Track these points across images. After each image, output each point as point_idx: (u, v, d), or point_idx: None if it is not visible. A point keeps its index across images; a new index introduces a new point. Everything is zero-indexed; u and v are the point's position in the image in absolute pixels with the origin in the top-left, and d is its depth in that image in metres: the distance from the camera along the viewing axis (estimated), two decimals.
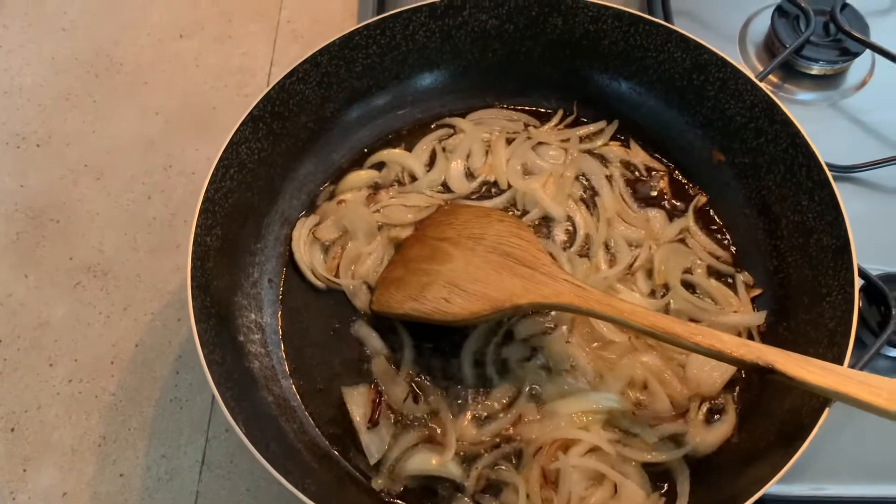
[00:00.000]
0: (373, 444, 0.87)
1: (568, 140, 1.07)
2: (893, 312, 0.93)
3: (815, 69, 1.20)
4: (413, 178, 1.05)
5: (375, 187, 1.05)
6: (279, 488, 0.94)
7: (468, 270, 0.89)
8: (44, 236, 1.13)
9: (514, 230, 0.91)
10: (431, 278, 0.90)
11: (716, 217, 1.01)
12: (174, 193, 1.16)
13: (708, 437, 0.86)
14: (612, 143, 1.07)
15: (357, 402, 0.89)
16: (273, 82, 0.96)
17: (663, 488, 0.83)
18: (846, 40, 1.19)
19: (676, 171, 1.05)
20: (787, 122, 0.91)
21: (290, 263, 0.99)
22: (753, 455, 0.81)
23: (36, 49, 1.32)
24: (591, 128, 1.08)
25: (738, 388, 0.89)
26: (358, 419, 0.88)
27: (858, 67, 1.22)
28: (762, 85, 0.94)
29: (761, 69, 1.18)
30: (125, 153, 1.21)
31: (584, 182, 1.04)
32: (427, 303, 0.88)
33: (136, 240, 1.12)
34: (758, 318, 0.93)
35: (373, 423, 0.88)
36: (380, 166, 1.07)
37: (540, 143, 1.07)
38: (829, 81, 1.21)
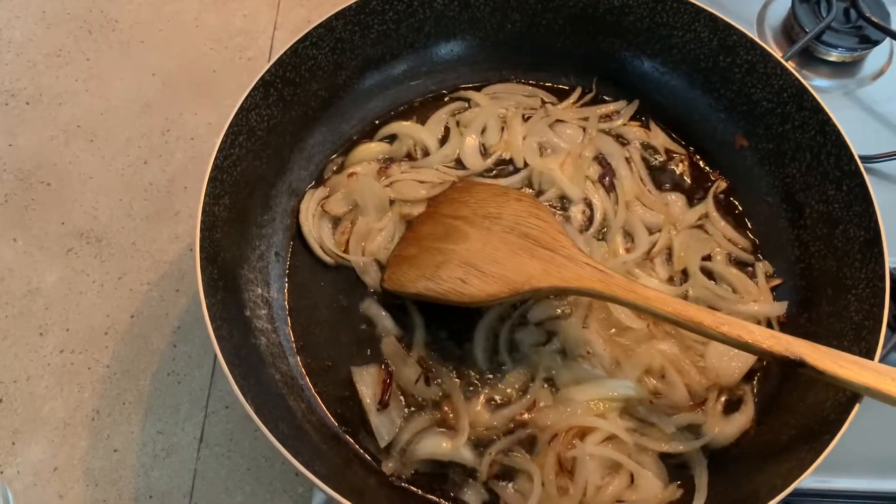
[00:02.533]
0: (383, 426, 0.84)
1: (586, 119, 1.04)
2: None
3: (834, 56, 1.18)
4: (426, 153, 1.01)
5: (387, 161, 1.01)
6: (281, 468, 0.92)
7: (485, 251, 0.86)
8: (33, 199, 1.08)
9: (532, 210, 0.88)
10: (446, 257, 0.87)
11: (737, 203, 0.99)
12: (172, 158, 1.12)
13: (726, 428, 0.84)
14: (631, 123, 1.04)
15: (367, 383, 0.86)
16: (276, 46, 0.93)
17: (681, 480, 0.82)
18: (867, 27, 1.17)
19: (697, 155, 1.02)
20: (817, 109, 0.89)
21: (298, 237, 0.95)
22: (774, 449, 0.79)
23: (25, 1, 1.25)
24: (611, 107, 1.05)
25: (756, 379, 0.88)
26: (368, 400, 0.85)
27: (877, 56, 1.20)
28: (793, 70, 0.91)
29: (780, 54, 1.16)
30: (120, 115, 1.16)
31: (603, 163, 1.01)
32: (442, 283, 0.85)
33: (132, 206, 1.08)
34: (778, 308, 0.91)
35: (383, 405, 0.85)
36: (391, 139, 1.03)
37: (557, 121, 1.04)
38: (846, 69, 1.20)
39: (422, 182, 0.98)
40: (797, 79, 0.91)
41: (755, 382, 0.88)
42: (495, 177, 1.00)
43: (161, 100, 1.17)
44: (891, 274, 0.92)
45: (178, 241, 1.05)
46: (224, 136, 0.84)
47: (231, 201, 0.86)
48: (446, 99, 1.06)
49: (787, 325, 0.90)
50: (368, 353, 0.89)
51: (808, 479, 0.86)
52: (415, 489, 0.82)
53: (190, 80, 1.19)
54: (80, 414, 0.94)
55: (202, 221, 0.80)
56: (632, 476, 0.81)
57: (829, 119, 0.88)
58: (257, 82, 0.88)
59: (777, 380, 0.86)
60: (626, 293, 0.78)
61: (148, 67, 1.21)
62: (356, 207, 0.96)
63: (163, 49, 1.22)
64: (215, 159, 0.83)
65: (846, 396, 0.74)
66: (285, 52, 0.90)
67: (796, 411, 0.81)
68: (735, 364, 0.87)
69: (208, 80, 1.20)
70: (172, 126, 1.15)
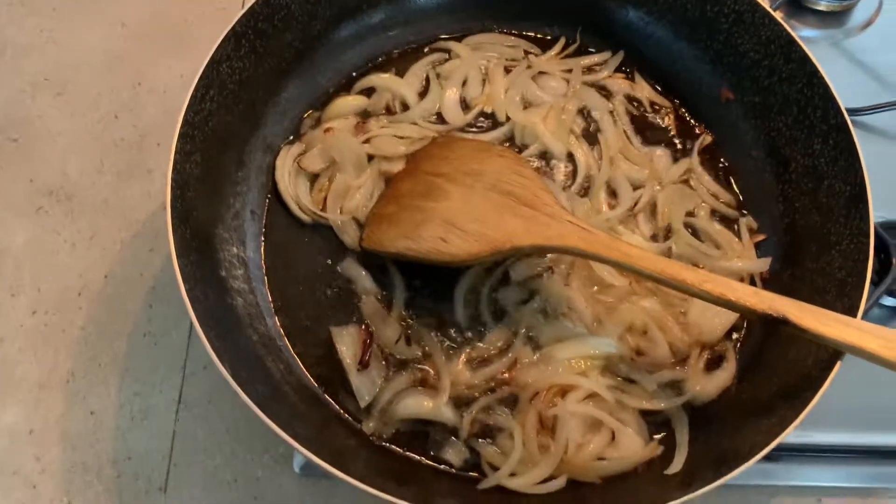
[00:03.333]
0: (363, 386, 0.83)
1: (570, 70, 1.01)
2: (894, 261, 0.91)
3: (822, 4, 1.16)
4: (405, 107, 0.99)
5: (364, 115, 0.98)
6: (261, 429, 0.90)
7: (466, 209, 0.84)
8: (0, 156, 1.04)
9: (514, 167, 0.86)
10: (426, 216, 0.85)
11: (722, 158, 0.97)
12: (144, 113, 1.08)
13: (708, 385, 0.84)
14: (616, 75, 1.02)
15: (346, 343, 0.85)
16: None
17: (662, 437, 0.82)
18: None
19: (682, 109, 1.00)
20: (805, 61, 0.87)
21: (274, 194, 0.92)
22: (755, 406, 0.79)
23: None
24: (595, 58, 1.02)
25: (738, 336, 0.87)
26: (348, 360, 0.84)
27: (866, 5, 1.18)
28: (781, 20, 0.89)
29: (768, 3, 1.13)
30: (89, 68, 1.12)
31: (587, 117, 0.99)
32: (422, 242, 0.84)
33: (103, 163, 1.05)
34: (761, 264, 0.90)
35: (363, 365, 0.84)
36: (369, 92, 1.00)
37: (540, 73, 1.01)
38: (834, 19, 1.17)
39: (401, 137, 0.96)
40: (785, 29, 0.88)
41: (737, 339, 0.87)
42: (477, 132, 0.98)
43: (132, 52, 1.13)
44: (875, 230, 0.92)
45: (151, 199, 1.02)
46: (194, 90, 0.81)
47: (203, 158, 0.83)
48: (426, 50, 1.03)
49: (771, 281, 0.89)
50: (348, 312, 0.87)
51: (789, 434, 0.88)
52: (396, 448, 0.81)
53: (162, 31, 1.15)
54: (54, 376, 0.92)
55: (173, 180, 0.77)
56: (613, 433, 0.81)
57: (817, 71, 0.86)
58: (227, 33, 0.85)
59: (759, 337, 0.86)
60: (608, 251, 0.77)
61: (117, 17, 1.16)
62: (333, 164, 0.94)
63: None
64: (185, 114, 0.80)
65: (828, 353, 0.74)
66: (256, 2, 0.87)
67: (778, 368, 0.81)
68: (718, 321, 0.86)
69: (181, 31, 1.16)
70: (144, 79, 1.11)
